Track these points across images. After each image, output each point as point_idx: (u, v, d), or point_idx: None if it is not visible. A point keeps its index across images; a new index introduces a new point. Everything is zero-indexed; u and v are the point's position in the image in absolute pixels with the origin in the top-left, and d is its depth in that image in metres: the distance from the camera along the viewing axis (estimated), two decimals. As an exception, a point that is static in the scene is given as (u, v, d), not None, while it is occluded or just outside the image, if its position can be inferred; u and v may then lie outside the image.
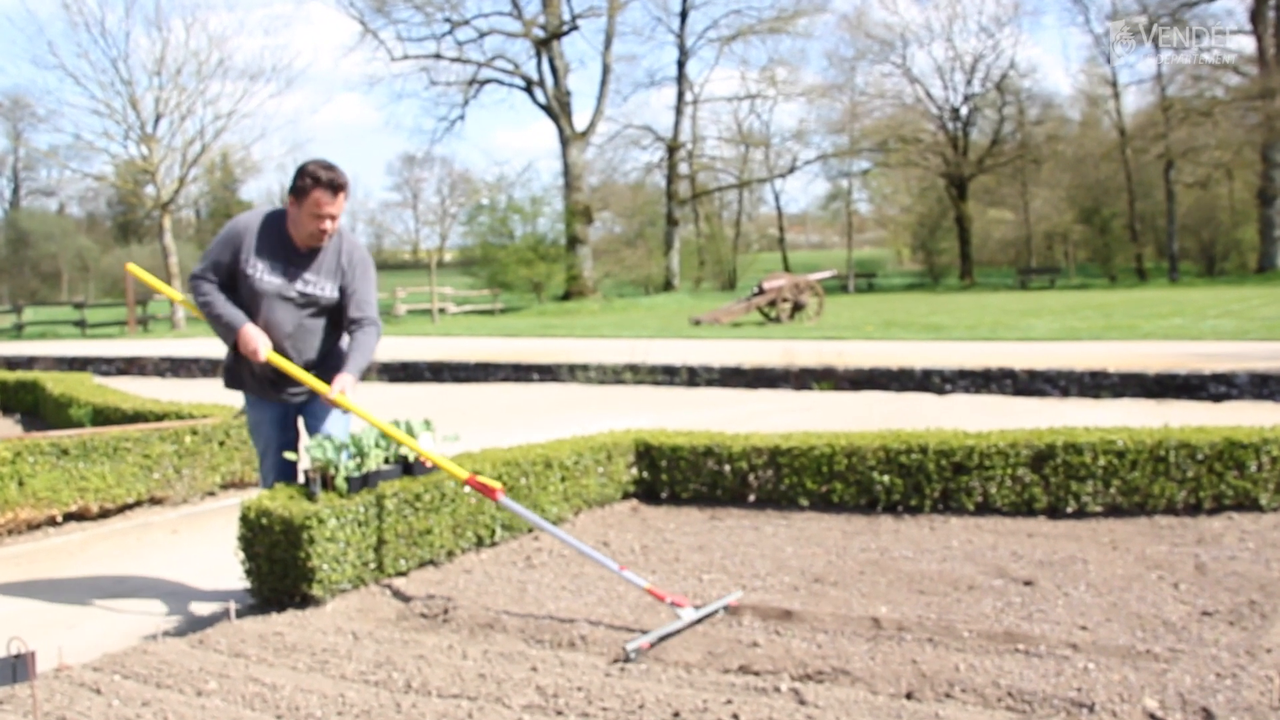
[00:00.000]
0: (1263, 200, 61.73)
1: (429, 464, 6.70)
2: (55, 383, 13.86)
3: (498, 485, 6.37)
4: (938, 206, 75.20)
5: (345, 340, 6.66)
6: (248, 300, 6.46)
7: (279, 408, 6.76)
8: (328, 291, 6.48)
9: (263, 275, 6.40)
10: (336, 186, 6.30)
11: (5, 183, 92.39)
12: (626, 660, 5.27)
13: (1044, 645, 5.16)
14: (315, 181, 6.27)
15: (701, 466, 8.49)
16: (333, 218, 6.34)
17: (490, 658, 5.24)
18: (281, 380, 6.61)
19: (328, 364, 6.62)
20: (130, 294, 41.33)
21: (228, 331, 6.42)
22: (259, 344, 6.35)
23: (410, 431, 6.70)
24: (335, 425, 6.68)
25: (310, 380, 6.38)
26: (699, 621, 5.78)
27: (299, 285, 6.44)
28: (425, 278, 47.90)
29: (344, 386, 6.26)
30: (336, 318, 6.60)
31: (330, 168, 6.33)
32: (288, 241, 6.45)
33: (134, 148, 43.91)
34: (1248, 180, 65.57)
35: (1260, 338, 20.17)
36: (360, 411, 6.37)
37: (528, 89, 59.02)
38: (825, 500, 8.21)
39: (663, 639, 5.52)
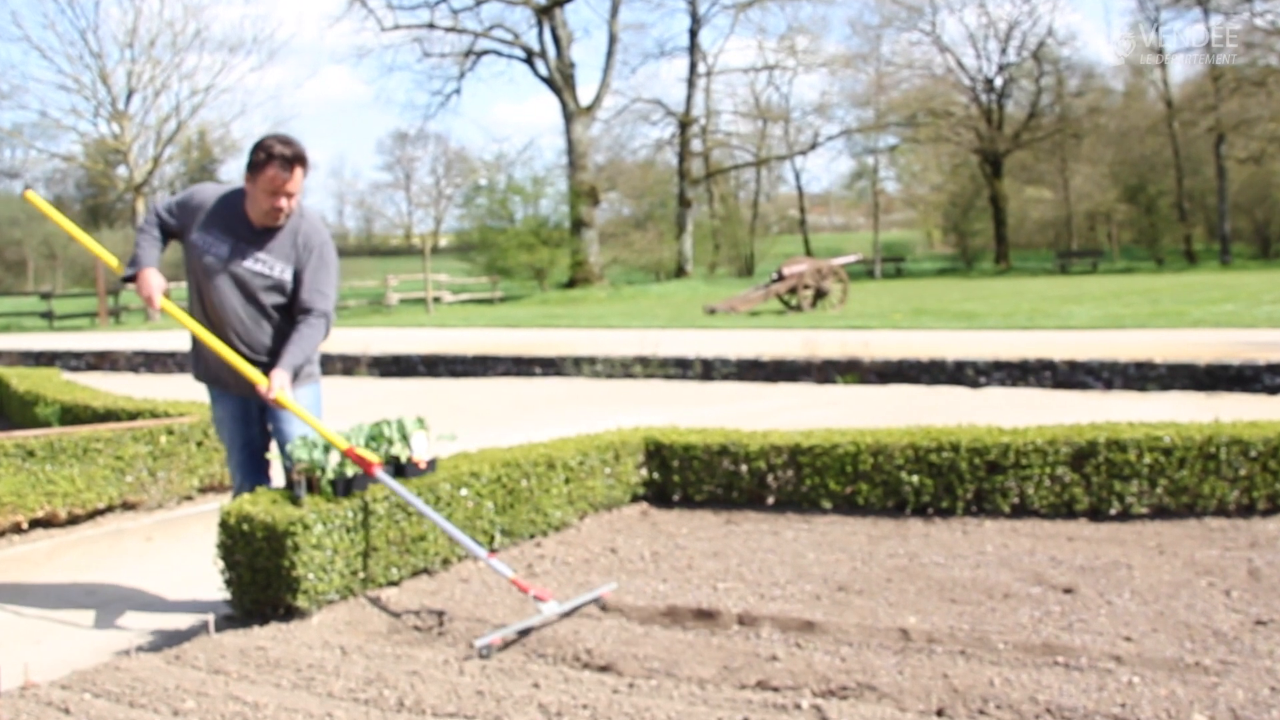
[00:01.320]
0: (1322, 177, 61.68)
1: (422, 466, 6.73)
2: (20, 379, 13.86)
3: (376, 459, 6.40)
4: (971, 185, 75.22)
5: None
6: (197, 277, 6.57)
7: (237, 402, 6.79)
8: (277, 271, 6.52)
9: (209, 249, 6.49)
10: (293, 161, 6.34)
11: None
12: (479, 658, 5.49)
13: (1085, 658, 5.15)
14: (270, 156, 6.31)
15: (716, 467, 8.48)
16: (289, 195, 6.40)
17: (489, 673, 5.24)
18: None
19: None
20: (101, 283, 41.39)
21: (131, 266, 6.54)
22: (154, 290, 6.45)
23: (403, 430, 6.72)
24: (298, 422, 6.67)
25: (240, 364, 6.41)
26: (567, 615, 6.01)
27: (247, 263, 6.49)
28: (419, 264, 47.79)
29: (282, 384, 6.29)
30: (288, 305, 6.62)
31: (287, 141, 6.39)
32: (242, 219, 6.53)
33: (104, 125, 44.07)
34: (1305, 155, 65.47)
35: (1319, 325, 20.14)
36: (299, 410, 6.39)
37: (528, 60, 59.08)
38: (850, 502, 8.21)
39: (521, 634, 5.75)
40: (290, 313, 6.61)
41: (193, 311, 6.65)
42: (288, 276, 6.53)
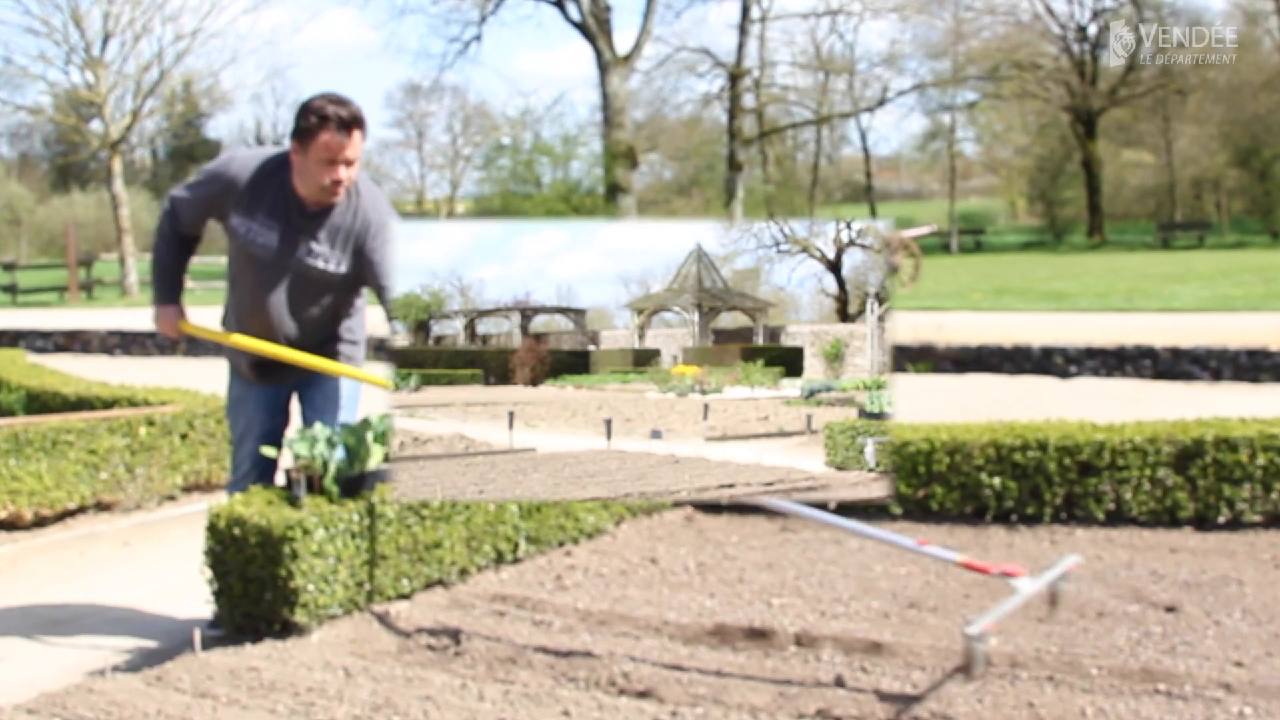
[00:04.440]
0: None
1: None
2: (-19, 362, 13.93)
3: None
4: (1060, 147, 74.74)
5: (352, 318, 6.64)
6: (237, 265, 6.38)
7: (270, 387, 6.70)
8: (334, 265, 6.28)
9: (256, 238, 6.23)
10: (350, 124, 6.04)
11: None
12: (976, 645, 5.07)
13: (1190, 685, 5.14)
14: (323, 120, 6.00)
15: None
16: (349, 163, 6.09)
17: (512, 699, 5.25)
18: (270, 364, 6.55)
19: (326, 348, 6.54)
20: (72, 252, 41.51)
21: (154, 297, 6.60)
22: (169, 330, 6.55)
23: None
24: (341, 417, 6.61)
25: (296, 356, 6.37)
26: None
27: (302, 255, 6.24)
28: (431, 234, 47.84)
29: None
30: (346, 294, 6.49)
31: (340, 101, 6.07)
32: (291, 196, 6.22)
33: (77, 74, 44.11)
34: None
35: None
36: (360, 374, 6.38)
37: (558, 3, 59.01)
38: (922, 507, 8.20)
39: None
40: (346, 300, 6.53)
41: (235, 303, 6.52)
42: (345, 269, 6.31)
